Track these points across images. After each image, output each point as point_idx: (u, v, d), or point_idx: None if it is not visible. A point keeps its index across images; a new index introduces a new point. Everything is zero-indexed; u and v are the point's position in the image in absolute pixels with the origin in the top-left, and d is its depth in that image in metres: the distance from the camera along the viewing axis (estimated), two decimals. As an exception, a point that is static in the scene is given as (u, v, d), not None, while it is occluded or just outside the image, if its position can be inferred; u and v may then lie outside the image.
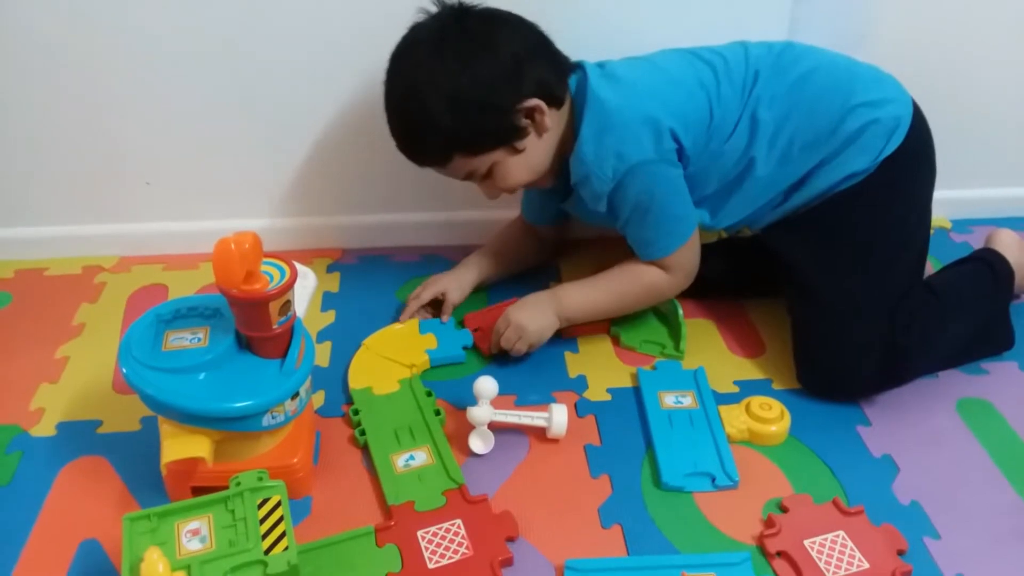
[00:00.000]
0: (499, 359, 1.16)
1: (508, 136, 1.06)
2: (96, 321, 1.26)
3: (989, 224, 1.36)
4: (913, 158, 1.09)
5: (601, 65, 1.11)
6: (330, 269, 1.38)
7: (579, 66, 1.11)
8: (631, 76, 1.09)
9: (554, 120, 1.08)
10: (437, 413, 1.06)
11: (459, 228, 1.42)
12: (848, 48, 1.15)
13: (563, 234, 1.37)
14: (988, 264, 1.18)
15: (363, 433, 1.03)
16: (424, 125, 1.04)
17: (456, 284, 1.25)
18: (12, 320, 1.27)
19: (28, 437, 1.04)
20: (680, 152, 1.07)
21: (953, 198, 1.30)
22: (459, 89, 1.01)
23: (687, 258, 1.13)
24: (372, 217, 1.42)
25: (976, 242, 1.37)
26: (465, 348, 1.18)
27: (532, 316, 1.12)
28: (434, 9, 1.06)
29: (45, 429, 1.06)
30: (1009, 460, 1.01)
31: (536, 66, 1.05)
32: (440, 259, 1.38)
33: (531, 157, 1.08)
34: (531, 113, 1.05)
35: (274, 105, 1.30)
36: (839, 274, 1.08)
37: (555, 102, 1.07)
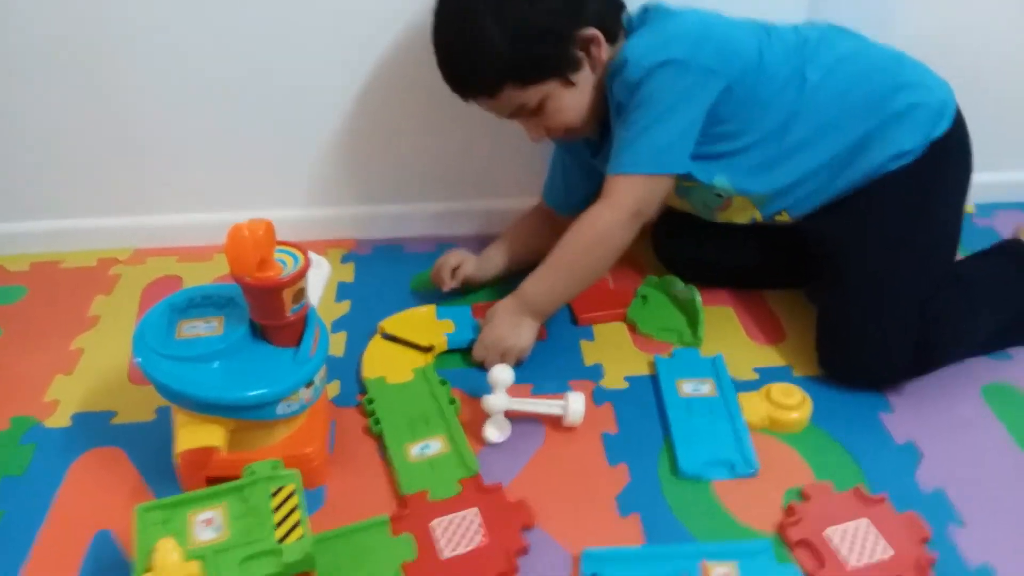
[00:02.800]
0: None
1: (563, 67, 1.04)
2: (111, 313, 1.26)
3: (1013, 208, 1.34)
4: (956, 148, 1.09)
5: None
6: (344, 259, 1.38)
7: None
8: (690, 8, 1.08)
9: (607, 56, 1.06)
10: (452, 402, 1.05)
11: (474, 217, 1.41)
12: (871, 32, 1.13)
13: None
14: (1013, 254, 1.17)
15: (377, 422, 1.02)
16: (480, 51, 1.02)
17: (472, 260, 1.23)
18: (28, 312, 1.27)
19: (42, 428, 1.04)
20: (721, 81, 1.03)
21: (976, 181, 1.27)
22: (519, 13, 1.00)
23: (639, 195, 1.06)
24: (386, 207, 1.41)
25: (1000, 226, 1.35)
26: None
27: (507, 332, 1.10)
28: None
29: (60, 420, 1.06)
30: (1036, 447, 0.99)
31: None
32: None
33: (583, 93, 1.07)
34: (587, 45, 1.04)
35: (288, 96, 1.29)
36: (876, 261, 1.07)
37: (610, 37, 1.06)
